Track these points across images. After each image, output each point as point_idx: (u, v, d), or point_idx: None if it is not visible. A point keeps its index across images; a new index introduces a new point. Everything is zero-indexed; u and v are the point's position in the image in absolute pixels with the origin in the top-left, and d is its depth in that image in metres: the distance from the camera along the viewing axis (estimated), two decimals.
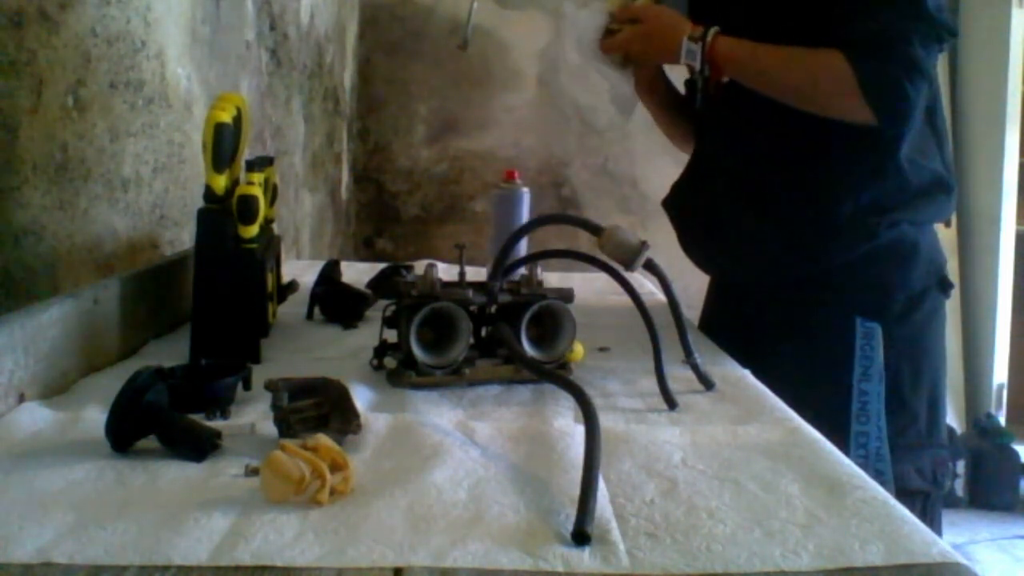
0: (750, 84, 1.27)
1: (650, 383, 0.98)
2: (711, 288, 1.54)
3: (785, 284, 1.34)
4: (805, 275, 1.32)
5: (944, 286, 1.34)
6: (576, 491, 0.65)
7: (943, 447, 1.35)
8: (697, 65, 1.26)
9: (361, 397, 0.91)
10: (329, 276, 1.37)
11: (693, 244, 1.46)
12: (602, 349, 1.19)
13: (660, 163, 3.18)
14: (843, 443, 1.22)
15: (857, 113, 1.19)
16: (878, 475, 1.23)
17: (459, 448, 0.78)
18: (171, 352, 1.06)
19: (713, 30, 1.25)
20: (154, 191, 1.35)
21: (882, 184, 1.26)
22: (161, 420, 0.76)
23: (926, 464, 1.32)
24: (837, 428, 1.01)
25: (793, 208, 1.29)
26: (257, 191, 1.07)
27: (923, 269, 1.31)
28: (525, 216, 1.59)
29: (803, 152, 1.28)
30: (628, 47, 1.34)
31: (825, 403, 1.02)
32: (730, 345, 1.23)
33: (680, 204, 1.48)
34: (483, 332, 1.04)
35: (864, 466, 1.04)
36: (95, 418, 0.79)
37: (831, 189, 1.27)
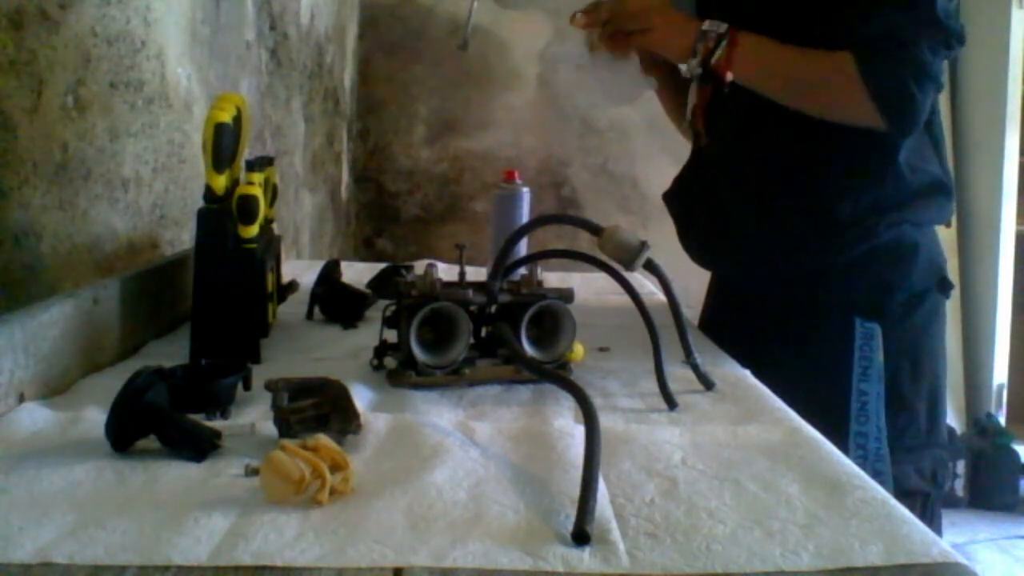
0: (757, 75, 1.24)
1: (650, 383, 0.98)
2: (711, 286, 1.54)
3: (784, 283, 1.34)
4: (805, 274, 1.32)
5: (944, 287, 1.34)
6: (576, 491, 0.65)
7: (943, 447, 1.35)
8: (718, 31, 1.22)
9: (361, 397, 0.91)
10: (329, 276, 1.37)
11: (692, 239, 1.46)
12: (602, 349, 1.19)
13: (660, 163, 3.18)
14: (842, 443, 1.21)
15: (863, 115, 1.19)
16: (877, 475, 1.22)
17: (459, 448, 0.78)
18: (171, 352, 1.06)
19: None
20: (154, 191, 1.35)
21: (881, 186, 1.26)
22: (161, 420, 0.76)
23: (926, 464, 1.32)
24: (836, 428, 1.01)
25: (793, 207, 1.29)
26: (257, 191, 1.07)
27: (923, 270, 1.31)
28: (525, 216, 1.59)
29: (804, 153, 1.28)
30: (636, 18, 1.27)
31: (824, 403, 1.02)
32: (730, 344, 1.23)
33: (681, 198, 1.47)
34: (483, 332, 1.04)
35: (863, 466, 1.04)
36: (95, 418, 0.79)
37: (831, 190, 1.27)
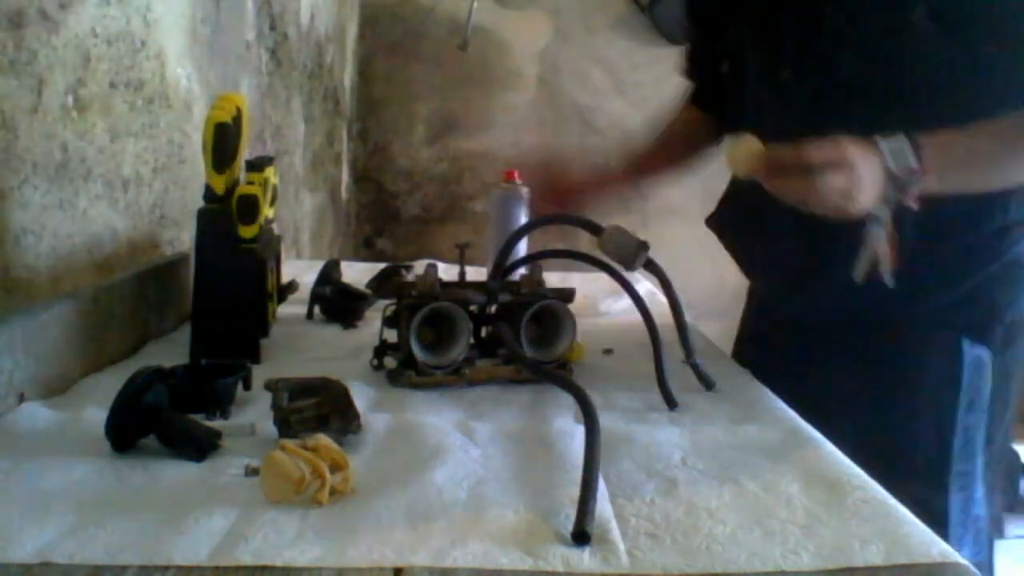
0: (961, 173, 1.01)
1: (650, 383, 0.98)
2: (750, 297, 1.36)
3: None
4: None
5: None
6: (576, 491, 0.65)
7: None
8: (912, 162, 0.94)
9: (361, 397, 0.91)
10: (329, 276, 1.37)
11: (754, 261, 1.27)
12: (607, 351, 1.18)
13: None
14: (941, 484, 1.12)
15: None
16: (979, 532, 1.18)
17: (459, 448, 0.78)
18: (171, 352, 1.06)
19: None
20: (154, 191, 1.35)
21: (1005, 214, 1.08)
22: (161, 420, 0.76)
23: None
24: (932, 467, 0.96)
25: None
26: (257, 191, 1.07)
27: None
28: (525, 216, 1.59)
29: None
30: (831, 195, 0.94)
31: (919, 437, 0.96)
32: (773, 366, 1.09)
33: (732, 229, 1.29)
34: (483, 332, 1.04)
35: (965, 515, 1.05)
36: (95, 418, 0.79)
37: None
